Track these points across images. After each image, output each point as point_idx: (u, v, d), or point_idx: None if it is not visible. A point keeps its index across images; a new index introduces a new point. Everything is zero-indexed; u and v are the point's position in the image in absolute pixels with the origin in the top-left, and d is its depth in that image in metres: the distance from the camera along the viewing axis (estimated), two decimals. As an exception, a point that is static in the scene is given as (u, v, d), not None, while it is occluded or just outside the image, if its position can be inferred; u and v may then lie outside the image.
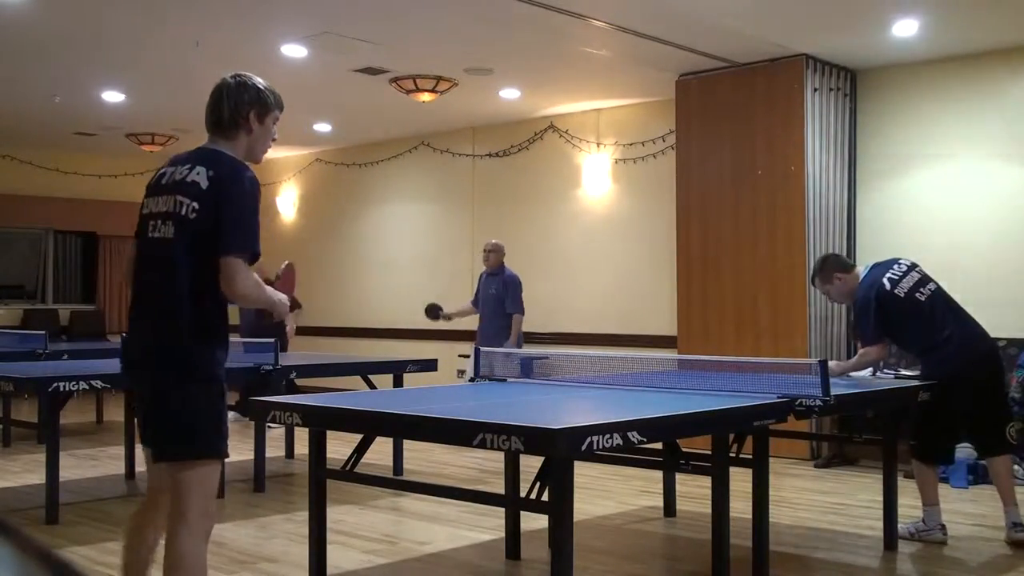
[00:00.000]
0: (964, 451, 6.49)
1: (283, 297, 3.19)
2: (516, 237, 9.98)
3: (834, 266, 5.16)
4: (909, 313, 4.94)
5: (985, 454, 5.10)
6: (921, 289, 4.99)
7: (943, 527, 4.91)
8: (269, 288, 3.12)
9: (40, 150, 11.83)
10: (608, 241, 9.30)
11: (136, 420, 3.14)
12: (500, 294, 8.33)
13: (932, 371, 4.98)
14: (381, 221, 11.33)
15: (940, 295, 5.04)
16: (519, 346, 8.21)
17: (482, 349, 5.17)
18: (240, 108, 3.04)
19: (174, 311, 2.90)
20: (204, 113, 3.12)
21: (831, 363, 4.79)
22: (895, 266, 5.07)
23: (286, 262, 4.13)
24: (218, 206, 2.87)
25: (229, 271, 2.85)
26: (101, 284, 12.59)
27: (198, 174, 2.92)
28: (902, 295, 4.94)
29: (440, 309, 8.39)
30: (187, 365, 2.91)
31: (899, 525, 4.88)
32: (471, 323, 8.70)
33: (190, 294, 2.89)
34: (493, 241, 8.56)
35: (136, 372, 3.06)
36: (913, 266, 5.11)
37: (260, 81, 3.12)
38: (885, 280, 4.97)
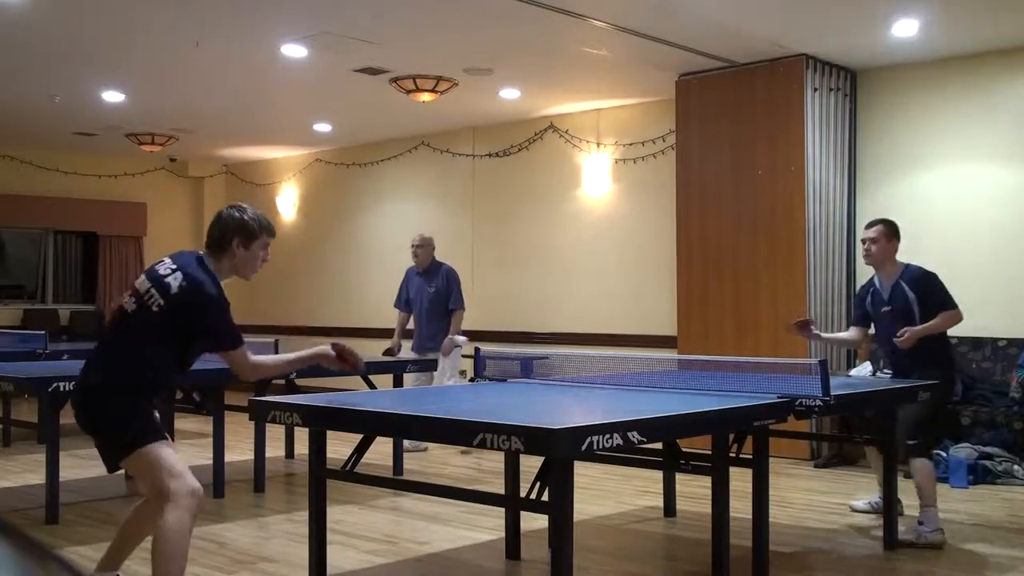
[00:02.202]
0: (964, 451, 6.50)
1: (319, 349, 3.91)
2: (516, 237, 9.99)
3: (897, 232, 5.33)
4: None
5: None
6: None
7: (942, 529, 4.91)
8: (289, 360, 3.91)
9: (40, 150, 11.83)
10: (608, 241, 9.30)
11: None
12: (442, 290, 7.86)
13: (943, 370, 5.14)
14: (381, 221, 11.34)
15: None
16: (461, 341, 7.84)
17: (482, 349, 5.16)
18: (226, 235, 3.65)
19: (115, 362, 3.57)
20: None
21: (912, 329, 4.98)
22: None
23: None
24: (188, 310, 3.52)
25: (235, 364, 3.67)
26: (101, 284, 12.57)
27: (174, 278, 3.55)
28: None
29: (392, 349, 8.00)
30: (108, 402, 3.55)
31: (900, 529, 4.88)
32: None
33: (127, 356, 3.55)
34: (421, 235, 8.08)
35: (79, 398, 3.68)
36: None
37: (251, 213, 3.71)
38: None
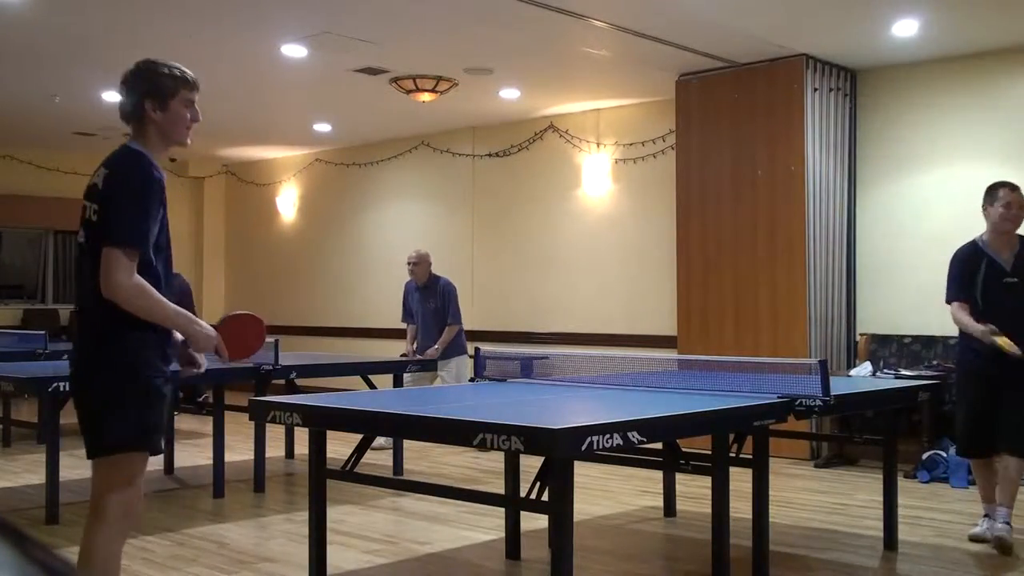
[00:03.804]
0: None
1: (208, 331, 3.02)
2: (516, 237, 9.99)
3: None
4: None
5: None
6: None
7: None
8: (178, 310, 2.95)
9: (40, 150, 11.82)
10: (608, 241, 9.30)
11: None
12: (440, 307, 7.94)
13: None
14: (381, 221, 11.34)
15: None
16: (462, 352, 7.89)
17: (482, 349, 5.16)
18: (137, 100, 3.01)
19: (85, 311, 2.98)
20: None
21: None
22: None
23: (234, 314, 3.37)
24: (108, 203, 2.91)
25: (103, 263, 2.84)
26: (101, 284, 12.56)
27: (100, 176, 2.97)
28: None
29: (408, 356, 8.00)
30: (97, 359, 2.92)
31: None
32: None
33: (97, 294, 2.89)
34: (416, 251, 8.11)
35: (71, 373, 3.11)
36: None
37: (162, 67, 3.02)
38: None
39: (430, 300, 8.00)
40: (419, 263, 8.03)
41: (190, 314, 3.03)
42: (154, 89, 2.99)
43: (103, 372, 2.92)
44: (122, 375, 2.91)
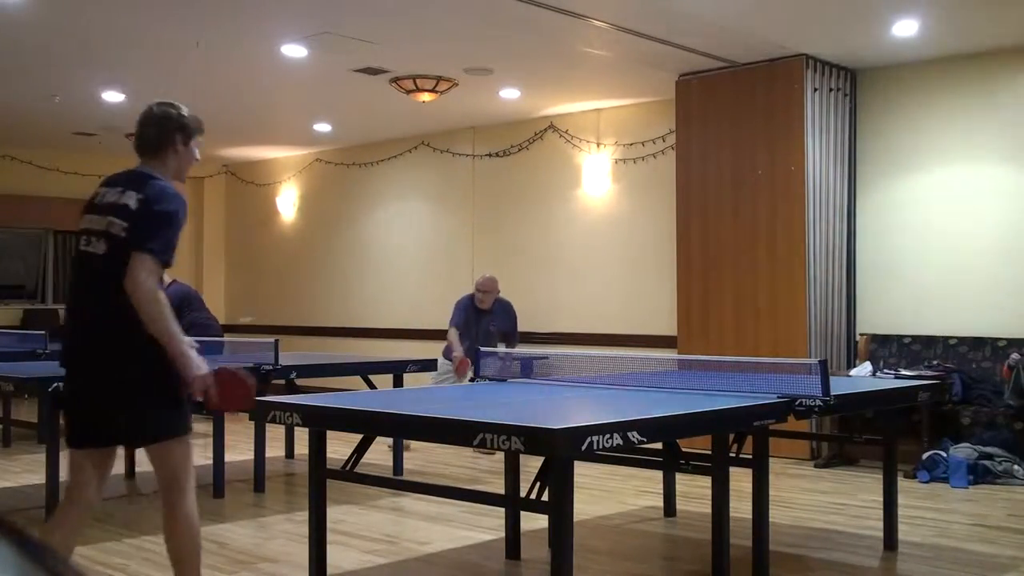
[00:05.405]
0: (964, 451, 6.50)
1: (197, 360, 3.23)
2: (516, 237, 9.99)
3: None
4: None
5: None
6: None
7: None
8: (181, 334, 3.19)
9: (40, 150, 11.82)
10: (608, 241, 9.30)
11: (70, 421, 3.39)
12: (506, 330, 8.07)
13: None
14: (381, 221, 11.34)
15: None
16: None
17: (482, 349, 5.16)
18: (165, 132, 3.36)
19: (103, 322, 3.23)
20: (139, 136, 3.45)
21: None
22: None
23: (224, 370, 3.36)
24: (143, 220, 3.18)
25: (131, 264, 3.12)
26: (101, 284, 12.54)
27: (131, 198, 3.22)
28: None
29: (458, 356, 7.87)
30: (126, 365, 3.22)
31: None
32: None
33: (115, 300, 3.15)
34: (487, 278, 8.12)
35: (78, 373, 3.35)
36: None
37: (184, 108, 3.44)
38: None
39: (493, 323, 8.08)
40: (489, 292, 8.08)
41: (191, 342, 3.26)
42: (184, 128, 3.39)
43: (139, 375, 3.21)
44: (153, 379, 3.22)
